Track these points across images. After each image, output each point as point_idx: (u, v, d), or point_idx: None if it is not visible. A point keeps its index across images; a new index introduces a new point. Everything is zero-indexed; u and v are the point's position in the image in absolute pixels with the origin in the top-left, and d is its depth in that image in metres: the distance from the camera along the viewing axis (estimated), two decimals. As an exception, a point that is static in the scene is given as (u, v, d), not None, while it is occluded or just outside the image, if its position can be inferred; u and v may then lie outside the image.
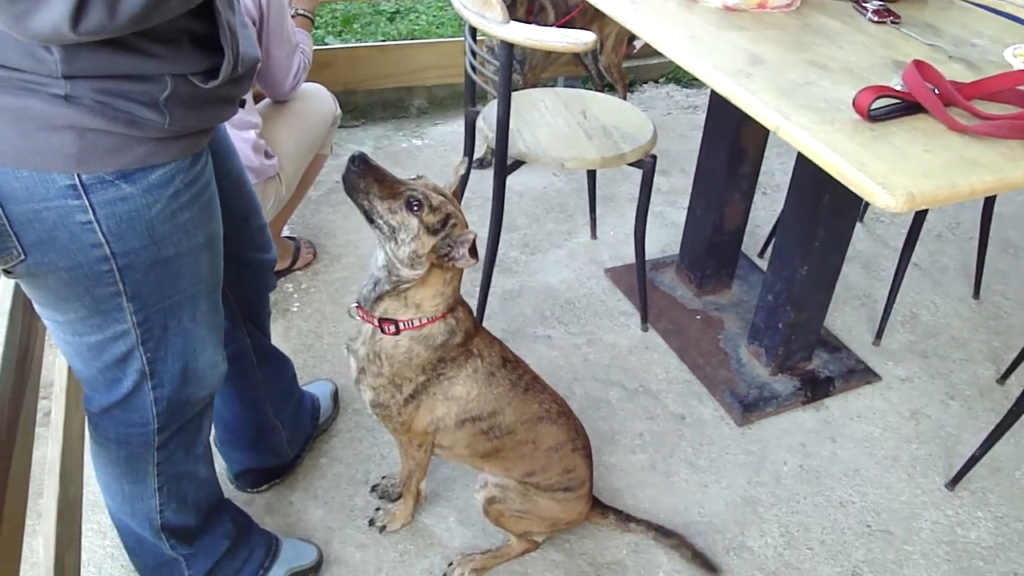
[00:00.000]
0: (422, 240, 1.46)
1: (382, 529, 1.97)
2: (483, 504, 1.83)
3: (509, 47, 2.06)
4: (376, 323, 1.58)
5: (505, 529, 1.88)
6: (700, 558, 1.93)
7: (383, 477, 2.10)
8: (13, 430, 1.28)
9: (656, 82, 4.37)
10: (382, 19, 5.02)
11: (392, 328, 1.57)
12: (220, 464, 2.01)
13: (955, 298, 2.93)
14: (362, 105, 3.89)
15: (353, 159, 1.44)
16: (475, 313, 2.49)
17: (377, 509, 2.01)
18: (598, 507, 1.96)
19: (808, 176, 2.12)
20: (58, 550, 1.46)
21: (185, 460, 1.53)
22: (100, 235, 1.14)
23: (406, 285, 1.53)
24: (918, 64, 1.60)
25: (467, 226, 1.54)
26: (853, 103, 1.54)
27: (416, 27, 4.94)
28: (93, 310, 1.22)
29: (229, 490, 1.99)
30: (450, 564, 1.90)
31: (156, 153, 1.13)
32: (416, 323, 1.57)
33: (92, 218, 1.12)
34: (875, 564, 1.99)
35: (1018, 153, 1.46)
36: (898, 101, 1.58)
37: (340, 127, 3.70)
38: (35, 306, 1.27)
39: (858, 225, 3.22)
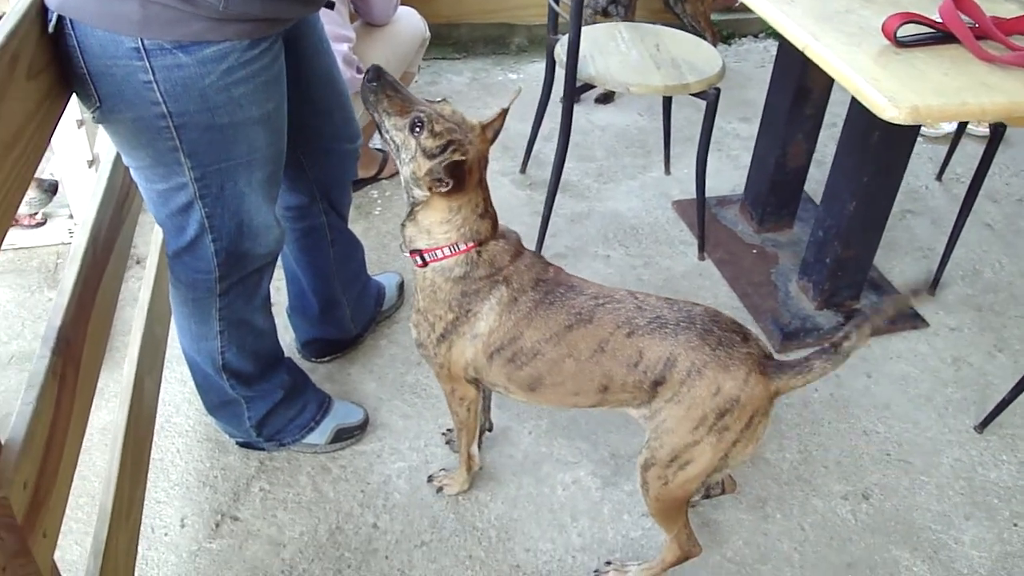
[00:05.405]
0: (419, 162, 1.47)
1: (439, 489, 1.98)
2: (642, 479, 1.60)
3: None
4: (409, 254, 1.60)
5: (668, 519, 1.67)
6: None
7: (449, 429, 2.10)
8: (107, 254, 1.52)
9: (755, 36, 4.39)
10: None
11: (420, 260, 1.57)
12: (289, 334, 2.25)
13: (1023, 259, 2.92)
14: (464, 39, 4.07)
15: (367, 71, 1.49)
16: (538, 230, 2.67)
17: (442, 470, 2.02)
18: (772, 366, 1.55)
19: (859, 113, 2.18)
20: (139, 372, 1.70)
21: (244, 309, 1.76)
22: (158, 94, 1.34)
23: (419, 208, 1.54)
24: (955, -5, 1.67)
25: (480, 158, 1.52)
26: (882, 27, 1.62)
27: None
28: (156, 160, 1.44)
29: (296, 358, 2.22)
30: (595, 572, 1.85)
31: (210, 31, 1.32)
32: (439, 255, 1.55)
33: (152, 79, 1.32)
34: (887, 488, 2.08)
35: (1038, 81, 1.52)
36: (932, 30, 1.66)
37: (441, 59, 3.92)
38: (119, 151, 1.50)
39: (935, 183, 3.22)
